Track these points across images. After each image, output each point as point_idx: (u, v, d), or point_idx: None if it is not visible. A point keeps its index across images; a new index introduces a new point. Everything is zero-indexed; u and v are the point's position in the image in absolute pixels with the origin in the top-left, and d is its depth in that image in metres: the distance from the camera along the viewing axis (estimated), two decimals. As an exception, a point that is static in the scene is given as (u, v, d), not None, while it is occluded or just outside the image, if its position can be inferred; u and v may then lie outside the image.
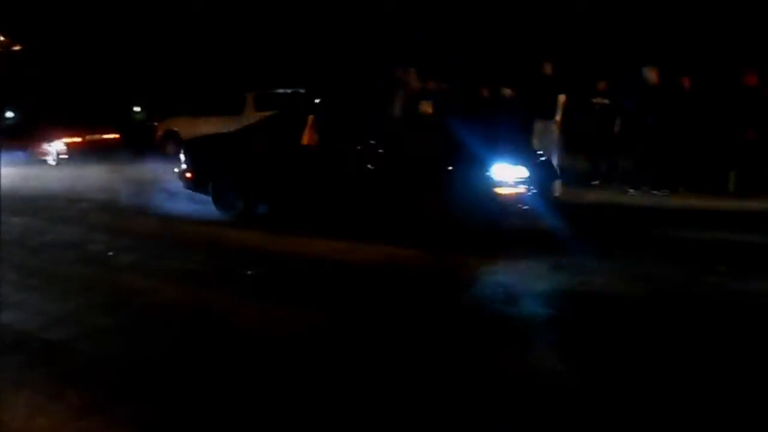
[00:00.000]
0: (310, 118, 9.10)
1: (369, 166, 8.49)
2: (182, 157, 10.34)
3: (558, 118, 11.22)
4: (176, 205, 10.59)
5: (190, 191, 10.34)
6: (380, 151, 8.52)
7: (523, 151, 8.97)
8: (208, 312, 5.61)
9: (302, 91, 17.90)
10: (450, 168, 7.92)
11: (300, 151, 9.03)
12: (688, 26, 15.26)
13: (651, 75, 11.34)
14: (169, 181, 11.82)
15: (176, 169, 10.48)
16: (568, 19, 16.36)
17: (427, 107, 11.50)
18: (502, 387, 4.14)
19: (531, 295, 5.84)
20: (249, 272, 6.72)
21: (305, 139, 9.01)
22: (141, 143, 19.25)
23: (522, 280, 6.19)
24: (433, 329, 5.13)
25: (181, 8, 24.25)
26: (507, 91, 12.44)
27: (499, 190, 7.71)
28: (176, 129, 18.79)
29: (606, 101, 11.76)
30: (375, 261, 7.10)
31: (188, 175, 10.15)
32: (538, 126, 11.38)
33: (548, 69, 11.70)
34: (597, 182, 11.81)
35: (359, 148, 8.62)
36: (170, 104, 21.27)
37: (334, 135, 8.93)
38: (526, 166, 7.96)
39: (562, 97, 11.52)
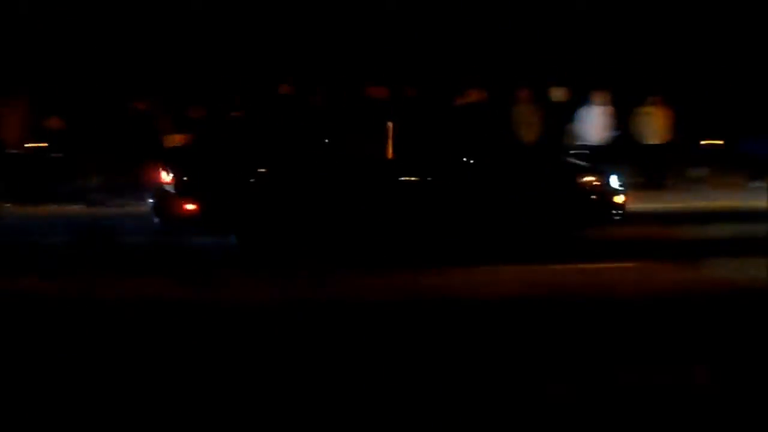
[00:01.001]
0: (390, 126, 7.69)
1: (485, 182, 7.77)
2: (169, 178, 7.28)
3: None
4: None
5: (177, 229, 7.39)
6: (498, 165, 7.98)
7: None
8: None
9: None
10: (579, 178, 8.15)
11: (384, 167, 7.66)
12: (319, 43, 15.90)
13: (283, 88, 11.67)
14: None
15: (151, 200, 7.55)
16: (206, 34, 16.17)
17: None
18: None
19: None
20: None
21: (389, 152, 7.62)
22: None
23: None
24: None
25: None
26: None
27: (616, 198, 8.10)
28: None
29: (241, 114, 11.74)
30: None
31: (189, 206, 7.10)
32: (174, 139, 11.09)
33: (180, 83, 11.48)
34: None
35: (471, 162, 7.83)
36: None
37: (426, 147, 7.81)
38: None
39: (196, 111, 11.37)
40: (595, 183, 8.12)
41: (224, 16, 16.06)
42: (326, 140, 7.70)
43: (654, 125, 12.61)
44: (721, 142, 14.23)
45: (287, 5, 16.15)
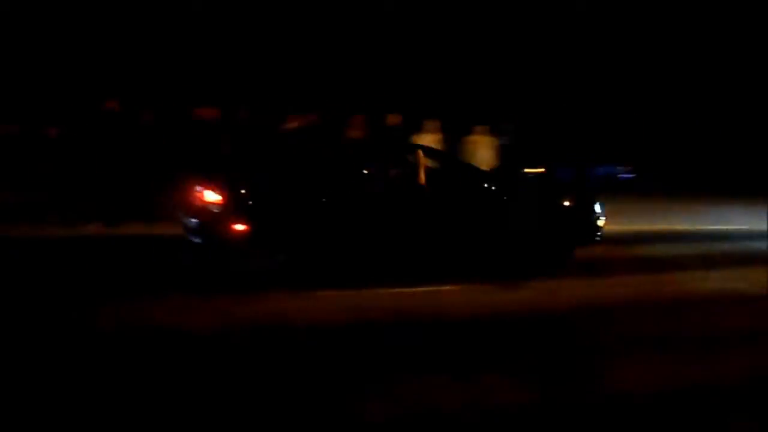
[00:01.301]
0: (420, 153, 8.09)
1: (497, 207, 8.22)
2: (216, 197, 6.96)
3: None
4: None
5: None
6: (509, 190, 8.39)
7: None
8: None
9: None
10: (570, 204, 8.63)
11: (417, 193, 7.93)
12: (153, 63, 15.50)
13: (111, 105, 11.19)
14: None
15: (191, 219, 7.29)
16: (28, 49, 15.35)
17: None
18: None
19: None
20: None
21: (422, 178, 7.91)
22: None
23: None
24: None
25: None
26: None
27: (598, 222, 8.68)
28: None
29: (60, 132, 11.10)
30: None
31: (238, 226, 6.81)
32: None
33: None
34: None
35: (490, 187, 8.25)
36: None
37: (446, 176, 8.33)
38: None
39: (12, 128, 10.74)
40: (583, 206, 8.77)
41: (49, 30, 15.30)
42: (365, 169, 8.02)
43: (481, 153, 13.08)
44: (542, 169, 15.09)
45: (116, 24, 15.63)
